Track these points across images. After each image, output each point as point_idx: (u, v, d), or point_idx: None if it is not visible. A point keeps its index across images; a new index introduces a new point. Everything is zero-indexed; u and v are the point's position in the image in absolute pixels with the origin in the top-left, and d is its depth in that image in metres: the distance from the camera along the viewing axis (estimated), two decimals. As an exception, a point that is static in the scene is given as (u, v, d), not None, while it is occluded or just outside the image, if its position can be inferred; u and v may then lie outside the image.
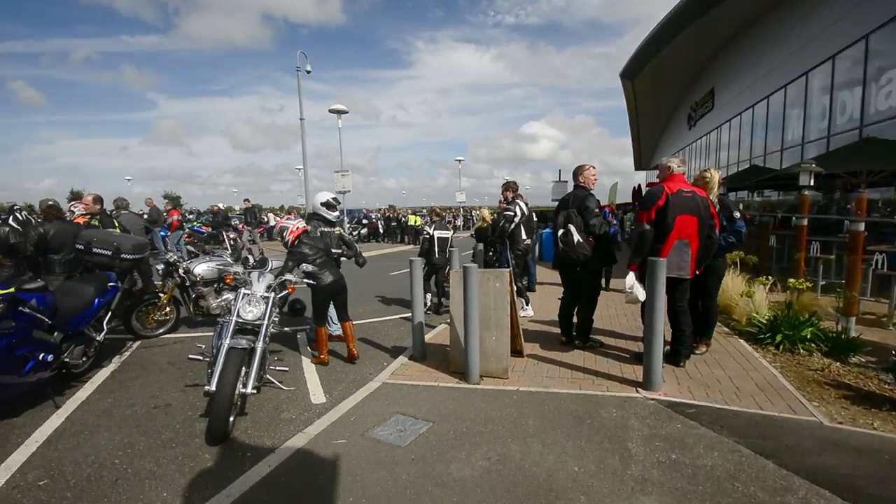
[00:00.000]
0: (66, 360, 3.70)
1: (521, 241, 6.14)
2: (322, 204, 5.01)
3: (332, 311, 4.78)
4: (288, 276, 3.69)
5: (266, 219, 26.35)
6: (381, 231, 23.74)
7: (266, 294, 3.44)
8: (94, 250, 4.47)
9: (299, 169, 36.12)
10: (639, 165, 36.35)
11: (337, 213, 5.21)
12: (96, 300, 3.94)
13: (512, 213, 6.05)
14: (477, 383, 3.80)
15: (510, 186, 6.31)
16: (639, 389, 3.59)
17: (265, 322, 3.34)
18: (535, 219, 9.13)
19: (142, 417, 3.40)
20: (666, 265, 3.39)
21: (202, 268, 5.42)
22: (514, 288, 4.23)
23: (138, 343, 5.22)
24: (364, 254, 5.52)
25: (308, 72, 13.48)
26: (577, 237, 4.06)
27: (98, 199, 5.75)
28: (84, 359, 3.99)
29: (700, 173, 4.34)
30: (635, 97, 23.71)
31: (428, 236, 6.75)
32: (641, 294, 3.61)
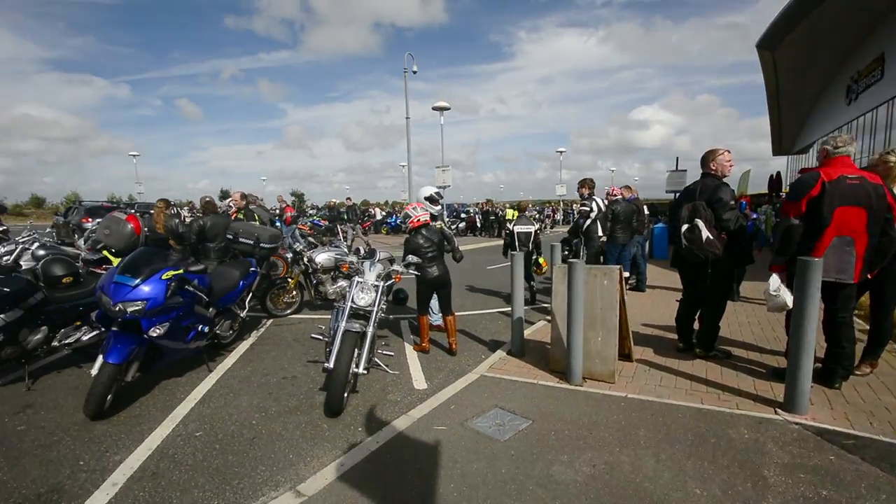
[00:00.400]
0: (218, 332, 4.39)
1: (596, 238, 6.26)
2: (426, 198, 5.19)
3: (434, 303, 4.94)
4: (395, 267, 3.90)
5: (373, 213, 28.38)
6: (479, 225, 23.93)
7: (376, 283, 3.68)
8: (240, 239, 5.26)
9: (403, 166, 38.06)
10: (778, 150, 30.98)
11: (439, 207, 5.36)
12: (241, 282, 4.61)
13: (588, 209, 6.18)
14: (579, 385, 3.62)
15: (586, 183, 6.42)
16: (778, 411, 3.08)
17: (375, 308, 3.58)
18: (646, 212, 8.41)
19: (273, 386, 3.89)
20: (821, 266, 2.84)
21: (322, 257, 6.01)
22: (625, 286, 3.92)
23: (271, 321, 5.98)
24: (461, 248, 5.60)
25: (414, 72, 14.08)
26: (705, 233, 3.55)
27: (243, 196, 6.72)
28: (230, 332, 4.69)
29: (881, 156, 3.53)
30: (776, 70, 20.27)
31: (508, 231, 6.88)
32: (789, 299, 3.07)
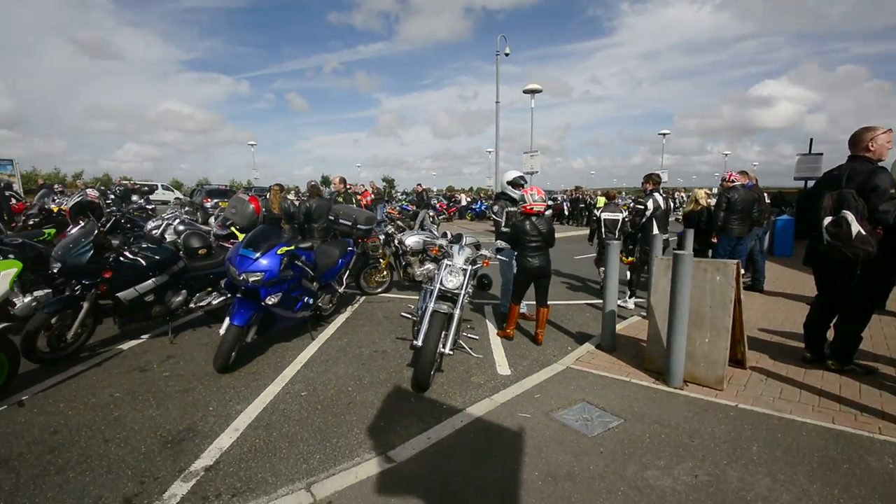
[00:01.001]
0: (320, 304, 4.80)
1: (653, 237, 6.00)
2: (508, 182, 5.08)
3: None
4: (483, 252, 3.91)
5: (458, 199, 28.72)
6: (567, 213, 22.97)
7: (464, 266, 3.73)
8: (340, 221, 5.67)
9: (490, 151, 37.80)
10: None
11: (521, 192, 5.19)
12: (340, 260, 4.98)
13: (642, 207, 5.94)
14: (679, 388, 3.34)
15: (651, 178, 6.22)
16: (940, 443, 2.55)
17: (462, 292, 3.64)
18: (767, 200, 7.38)
19: (366, 358, 4.16)
20: None
21: (411, 240, 6.24)
22: (741, 284, 3.48)
23: (363, 298, 6.39)
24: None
25: (507, 54, 13.79)
26: (856, 227, 2.95)
27: (343, 181, 7.23)
28: (330, 305, 5.11)
29: None
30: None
31: (595, 218, 6.70)
32: None
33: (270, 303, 3.72)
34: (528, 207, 4.28)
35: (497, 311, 5.78)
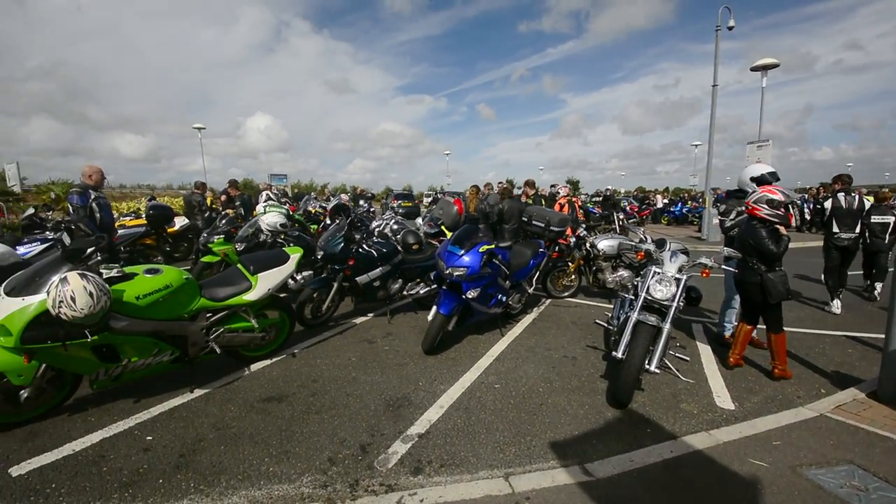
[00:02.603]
0: (510, 302, 4.96)
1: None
2: (753, 179, 4.09)
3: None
4: (703, 260, 3.37)
5: (653, 201, 25.70)
6: (807, 218, 17.96)
7: (678, 276, 3.29)
8: (533, 222, 5.76)
9: (696, 145, 32.63)
10: None
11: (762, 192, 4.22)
12: (532, 261, 5.05)
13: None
14: None
15: (841, 179, 5.90)
16: None
17: (673, 304, 3.22)
18: None
19: (555, 361, 4.10)
20: None
21: (605, 244, 5.87)
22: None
23: (549, 301, 6.33)
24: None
25: (730, 28, 11.64)
26: None
27: (532, 184, 7.32)
28: (519, 304, 5.23)
29: None
30: None
31: (866, 223, 5.94)
32: None
33: (470, 296, 4.02)
34: (754, 207, 3.47)
35: (709, 331, 4.94)
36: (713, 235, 13.49)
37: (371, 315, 5.48)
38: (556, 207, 7.77)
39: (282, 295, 4.16)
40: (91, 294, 2.48)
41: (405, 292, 5.30)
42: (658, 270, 3.37)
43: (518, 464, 2.55)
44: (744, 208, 3.83)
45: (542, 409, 3.21)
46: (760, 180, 4.02)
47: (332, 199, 12.50)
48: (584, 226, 7.58)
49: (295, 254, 3.80)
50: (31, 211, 8.68)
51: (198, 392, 3.38)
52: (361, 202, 15.39)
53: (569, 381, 3.66)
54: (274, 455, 2.62)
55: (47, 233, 6.50)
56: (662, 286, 3.27)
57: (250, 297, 3.44)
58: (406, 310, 5.73)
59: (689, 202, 22.21)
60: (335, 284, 4.86)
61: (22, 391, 2.77)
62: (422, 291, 5.09)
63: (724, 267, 3.52)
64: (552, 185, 12.08)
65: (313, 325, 4.88)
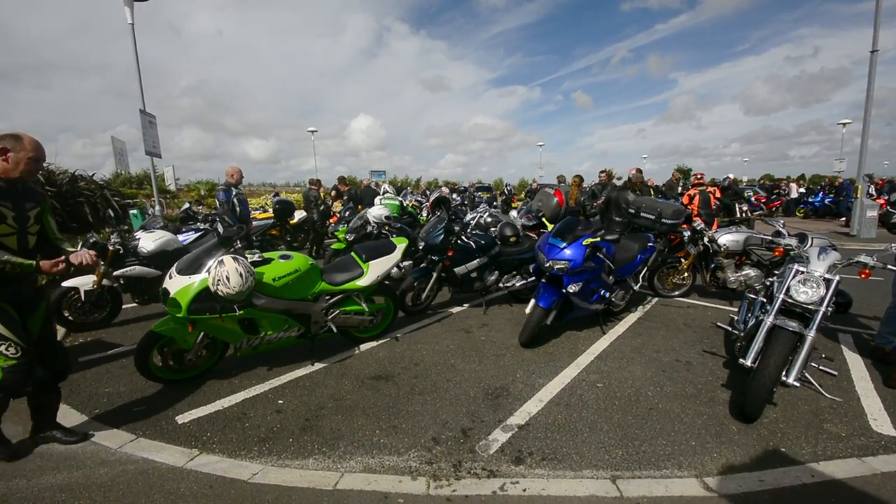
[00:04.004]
0: (613, 299, 4.69)
1: None
2: None
3: None
4: (863, 259, 2.84)
5: (785, 189, 22.20)
6: None
7: (829, 276, 2.82)
8: (642, 214, 5.37)
9: (844, 123, 27.38)
10: None
11: None
12: (639, 256, 4.72)
13: None
14: None
15: None
16: None
17: (821, 309, 2.77)
18: None
19: (666, 365, 3.80)
20: None
21: (728, 238, 5.25)
22: None
23: (656, 300, 5.85)
24: None
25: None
26: None
27: (640, 171, 6.81)
28: (622, 302, 4.92)
29: None
30: None
31: None
32: None
33: (571, 290, 3.90)
34: None
35: (862, 343, 4.18)
36: (866, 231, 11.30)
37: (467, 305, 5.59)
38: (685, 199, 7.12)
39: (386, 282, 4.45)
40: (241, 274, 2.91)
41: (501, 284, 5.32)
42: (802, 269, 2.92)
43: (626, 468, 2.43)
44: None
45: (652, 414, 3.00)
46: None
47: (427, 192, 12.97)
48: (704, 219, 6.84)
49: (401, 244, 4.04)
50: (186, 205, 10.41)
51: (318, 365, 3.78)
52: (454, 195, 15.71)
53: (683, 388, 3.37)
54: (384, 428, 2.83)
55: (198, 223, 7.75)
56: (807, 287, 2.82)
57: (363, 282, 3.74)
58: (501, 302, 5.74)
59: (831, 192, 18.67)
60: (434, 274, 5.05)
61: (186, 354, 3.36)
62: (518, 284, 5.06)
63: (889, 267, 2.92)
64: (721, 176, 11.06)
65: (413, 311, 5.14)
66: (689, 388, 3.36)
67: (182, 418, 2.98)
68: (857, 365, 3.71)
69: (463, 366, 3.81)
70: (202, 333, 3.34)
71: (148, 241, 5.05)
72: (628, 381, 3.48)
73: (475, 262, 5.05)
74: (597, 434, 2.76)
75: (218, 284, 2.90)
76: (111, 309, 4.89)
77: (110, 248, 4.73)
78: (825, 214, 17.45)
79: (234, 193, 5.85)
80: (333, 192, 10.97)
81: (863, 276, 2.83)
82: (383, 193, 9.00)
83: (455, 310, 5.44)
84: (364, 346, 4.22)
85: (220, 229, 5.64)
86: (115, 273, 4.82)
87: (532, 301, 4.06)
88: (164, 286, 3.20)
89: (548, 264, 3.91)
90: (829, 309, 2.90)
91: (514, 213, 7.78)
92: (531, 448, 2.62)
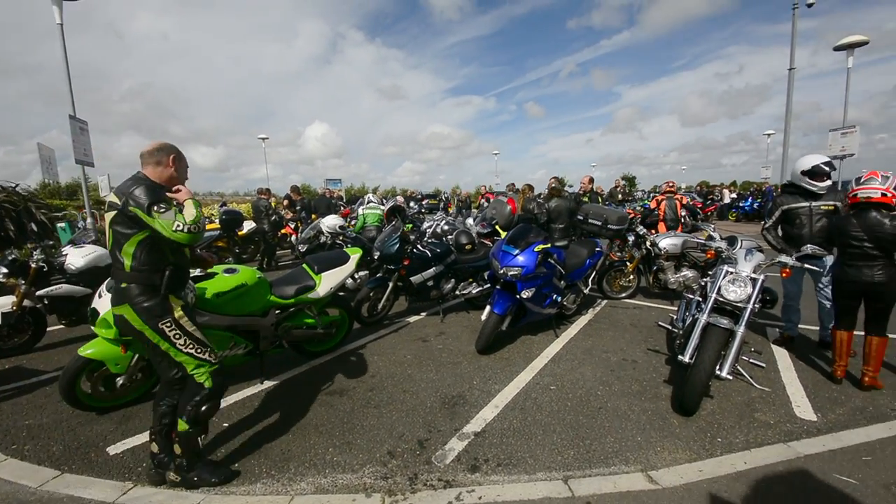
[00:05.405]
0: (565, 303, 4.85)
1: None
2: (804, 172, 3.75)
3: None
4: (782, 259, 3.11)
5: (719, 195, 23.95)
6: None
7: (754, 275, 3.06)
8: (589, 220, 5.59)
9: (769, 134, 30.06)
10: None
11: (827, 183, 3.77)
12: (588, 261, 4.91)
13: None
14: None
15: None
16: None
17: (749, 306, 3.00)
18: None
19: (614, 364, 3.96)
20: None
21: (667, 242, 5.58)
22: None
23: (605, 302, 6.11)
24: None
25: (809, 5, 10.63)
26: None
27: (591, 180, 7.12)
28: (574, 305, 5.10)
29: None
30: None
31: None
32: None
33: (525, 296, 3.99)
34: (853, 196, 3.15)
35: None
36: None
37: (424, 314, 5.58)
38: (653, 204, 7.48)
39: (341, 294, 4.35)
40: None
41: (458, 292, 5.35)
42: (731, 270, 3.16)
43: (577, 467, 2.51)
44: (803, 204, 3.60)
45: (602, 412, 3.12)
46: (813, 173, 3.69)
47: (385, 201, 12.88)
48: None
49: (355, 254, 3.97)
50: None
51: (267, 384, 3.63)
52: (412, 204, 15.70)
53: (629, 386, 3.53)
54: (337, 445, 2.75)
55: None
56: (736, 286, 3.06)
57: (315, 294, 3.63)
58: (458, 309, 5.77)
59: (759, 197, 20.41)
60: (390, 284, 5.01)
61: (118, 378, 3.12)
62: (474, 291, 5.12)
63: (807, 266, 3.22)
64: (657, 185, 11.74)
65: (370, 323, 5.06)
66: (636, 385, 3.53)
67: (114, 449, 2.75)
68: (782, 356, 4.04)
69: (419, 375, 3.78)
70: (136, 356, 3.11)
71: (77, 257, 4.66)
72: (580, 382, 3.60)
73: (431, 271, 5.06)
74: (550, 436, 2.82)
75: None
76: (34, 332, 4.47)
77: (32, 265, 4.33)
78: (754, 218, 18.97)
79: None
80: (286, 202, 10.64)
81: (784, 274, 3.10)
82: (367, 202, 8.79)
83: (412, 319, 5.41)
84: (317, 361, 4.10)
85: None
86: (39, 293, 4.40)
87: (487, 308, 4.11)
88: (93, 305, 2.96)
89: (502, 271, 3.98)
90: (757, 306, 3.15)
91: (470, 221, 7.89)
92: (487, 455, 2.63)
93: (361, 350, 4.41)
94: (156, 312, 2.18)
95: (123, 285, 2.17)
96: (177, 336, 2.22)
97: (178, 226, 2.08)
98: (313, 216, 9.59)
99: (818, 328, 4.26)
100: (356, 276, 5.20)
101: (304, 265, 3.87)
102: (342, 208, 12.52)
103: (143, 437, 2.87)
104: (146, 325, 2.18)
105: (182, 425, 2.27)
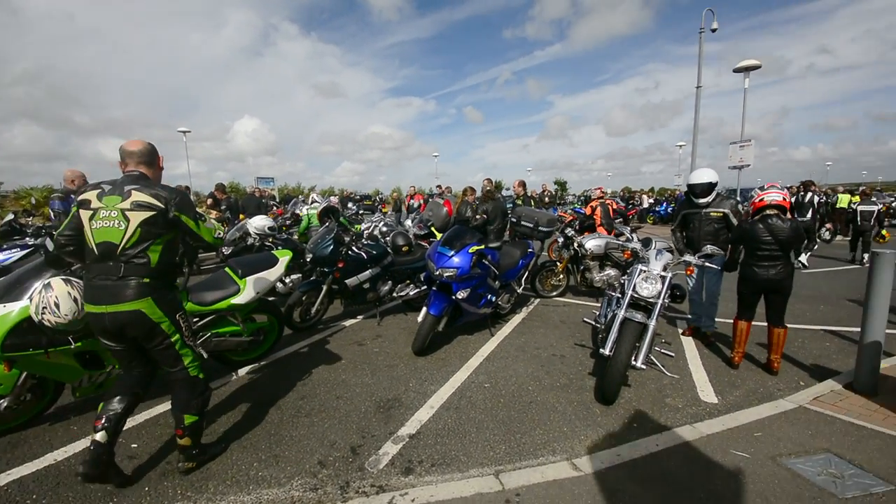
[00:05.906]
0: (499, 303, 4.99)
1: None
2: (689, 186, 4.37)
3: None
4: (687, 258, 3.44)
5: (638, 201, 26.06)
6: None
7: (663, 273, 3.36)
8: (522, 223, 5.80)
9: (680, 145, 33.19)
10: None
11: (706, 199, 4.27)
12: (520, 261, 5.09)
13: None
14: None
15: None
16: None
17: (659, 301, 3.28)
18: None
19: (544, 360, 4.14)
20: None
21: (592, 243, 5.94)
22: None
23: (538, 300, 6.37)
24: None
25: (713, 30, 11.89)
26: None
27: (523, 184, 7.38)
28: (508, 305, 5.27)
29: None
30: None
31: (851, 210, 6.61)
32: None
33: (460, 297, 4.04)
34: (757, 201, 3.60)
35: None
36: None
37: (361, 317, 5.46)
38: (588, 210, 7.83)
39: (270, 298, 4.13)
40: (76, 299, 2.44)
41: (395, 294, 5.30)
42: (644, 269, 3.44)
43: (508, 461, 2.58)
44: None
45: (532, 406, 3.24)
46: (692, 190, 4.28)
47: (317, 201, 12.47)
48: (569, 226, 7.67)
49: (284, 257, 3.78)
50: (10, 217, 8.46)
51: (185, 398, 3.34)
52: (350, 205, 15.34)
53: (557, 379, 3.70)
54: (263, 459, 2.60)
55: (27, 239, 6.34)
56: (648, 284, 3.33)
57: (238, 300, 3.41)
58: (395, 311, 5.72)
59: (673, 203, 22.60)
60: (324, 287, 4.85)
61: (1, 401, 2.72)
62: (411, 293, 5.10)
63: (707, 264, 3.60)
64: (586, 190, 12.40)
65: (303, 328, 4.86)
66: (563, 379, 3.71)
67: (-5, 482, 2.39)
68: (689, 346, 4.46)
69: (354, 380, 3.70)
70: (24, 374, 2.74)
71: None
72: (512, 379, 3.71)
73: (367, 273, 4.97)
74: (483, 433, 2.89)
75: (44, 313, 2.39)
76: None
77: None
78: (668, 221, 20.86)
79: (73, 202, 4.92)
80: (209, 201, 9.90)
81: (688, 272, 3.43)
82: (311, 202, 8.34)
83: (348, 323, 5.28)
84: (243, 371, 3.86)
85: (50, 246, 4.69)
86: None
87: (423, 309, 4.12)
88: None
89: (437, 272, 4.01)
90: (666, 301, 3.46)
91: (408, 223, 7.85)
92: (421, 456, 2.63)
93: (293, 357, 4.22)
94: (175, 305, 2.36)
95: (146, 280, 2.21)
96: (186, 328, 2.41)
97: (219, 234, 2.45)
98: (241, 216, 9.00)
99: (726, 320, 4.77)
100: (287, 280, 4.96)
101: (227, 269, 3.63)
102: (274, 208, 11.93)
103: (36, 465, 2.54)
104: (166, 316, 2.28)
105: (190, 418, 2.40)
